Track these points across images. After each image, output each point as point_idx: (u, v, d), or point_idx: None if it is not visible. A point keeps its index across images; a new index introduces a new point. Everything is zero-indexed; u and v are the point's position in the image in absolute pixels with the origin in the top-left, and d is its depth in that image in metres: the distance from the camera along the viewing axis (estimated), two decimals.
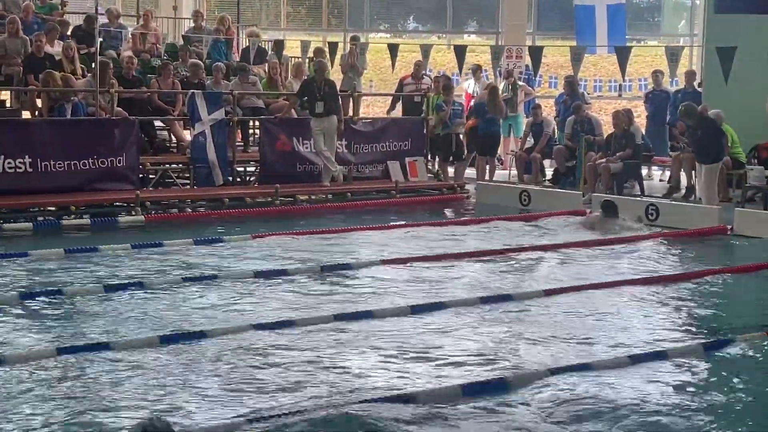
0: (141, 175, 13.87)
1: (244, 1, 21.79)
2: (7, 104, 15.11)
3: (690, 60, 21.02)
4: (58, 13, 17.10)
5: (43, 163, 12.83)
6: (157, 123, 15.58)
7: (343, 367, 6.48)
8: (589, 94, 19.88)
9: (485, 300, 8.39)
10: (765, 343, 7.23)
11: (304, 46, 18.07)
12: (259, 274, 9.21)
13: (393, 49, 17.53)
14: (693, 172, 14.82)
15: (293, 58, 18.18)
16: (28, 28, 15.28)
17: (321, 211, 13.87)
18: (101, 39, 15.96)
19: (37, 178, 12.76)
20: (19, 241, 10.75)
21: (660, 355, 6.86)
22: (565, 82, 17.94)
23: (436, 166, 16.89)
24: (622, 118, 15.43)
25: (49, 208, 12.68)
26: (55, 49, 15.00)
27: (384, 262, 10.00)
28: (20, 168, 12.68)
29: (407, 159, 16.08)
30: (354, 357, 6.73)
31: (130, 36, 17.23)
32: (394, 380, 6.24)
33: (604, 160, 15.20)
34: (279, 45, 17.68)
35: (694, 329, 7.78)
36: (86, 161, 13.17)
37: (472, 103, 18.14)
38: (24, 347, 6.75)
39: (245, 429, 5.27)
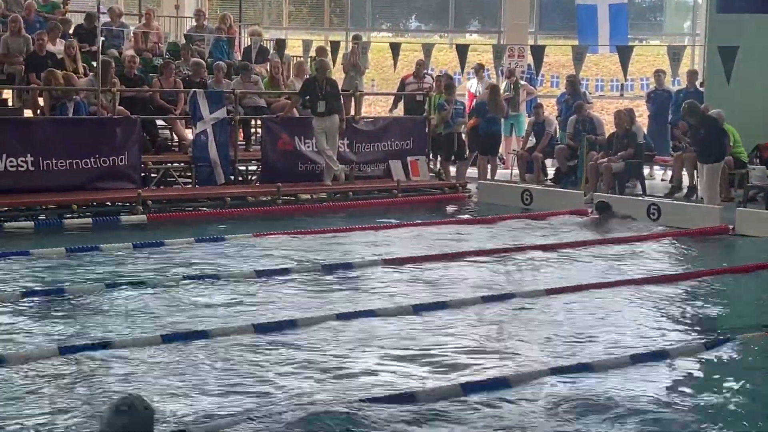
0: (143, 174, 13.87)
1: (246, 0, 21.79)
2: (9, 103, 15.13)
3: (692, 60, 21.02)
4: (60, 11, 17.09)
5: (44, 162, 12.84)
6: (159, 122, 15.59)
7: (345, 366, 6.48)
8: (590, 93, 19.87)
9: (487, 299, 8.39)
10: (766, 342, 7.23)
11: (306, 45, 18.05)
12: (260, 274, 9.22)
13: (395, 48, 17.52)
14: (695, 171, 14.81)
15: (295, 57, 18.18)
16: (30, 27, 15.28)
17: (323, 210, 13.87)
18: (103, 38, 15.96)
19: (39, 176, 12.77)
20: (20, 240, 10.76)
21: (661, 355, 6.86)
22: (566, 81, 17.94)
23: (438, 166, 16.89)
24: (624, 117, 15.43)
25: (50, 206, 12.68)
26: (57, 47, 15.00)
27: (386, 261, 10.00)
28: (22, 167, 12.68)
29: (409, 158, 16.07)
30: (355, 356, 6.73)
31: (132, 35, 17.23)
32: (395, 379, 6.25)
33: (605, 159, 15.19)
34: (281, 44, 17.66)
35: (695, 329, 7.78)
36: (88, 160, 13.18)
37: (474, 102, 18.14)
38: (25, 346, 6.75)
39: (246, 428, 5.27)
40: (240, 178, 15.01)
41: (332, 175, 14.76)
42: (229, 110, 14.63)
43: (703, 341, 7.23)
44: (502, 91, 17.78)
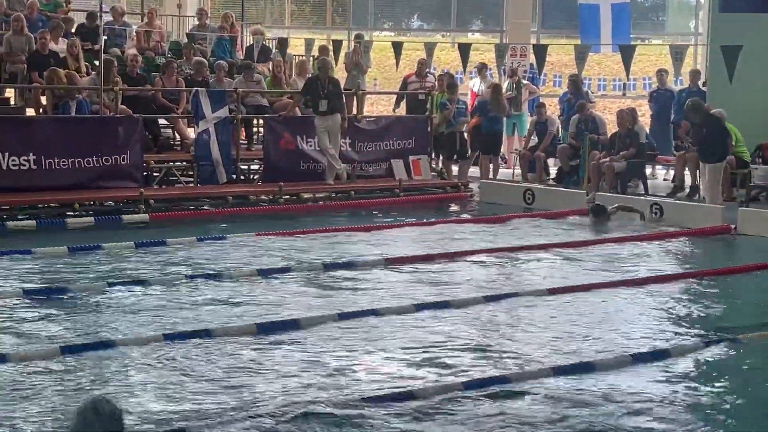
0: (145, 173, 13.87)
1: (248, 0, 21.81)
2: (12, 102, 15.14)
3: (694, 59, 21.00)
4: (62, 10, 17.10)
5: (47, 161, 12.84)
6: (161, 121, 15.59)
7: (346, 366, 6.48)
8: (593, 92, 19.85)
9: (489, 298, 8.39)
10: (767, 342, 7.22)
11: (308, 44, 18.06)
12: (262, 272, 9.22)
13: (397, 47, 17.52)
14: (697, 171, 14.80)
15: (297, 57, 18.18)
16: (33, 26, 15.29)
17: (325, 209, 13.87)
18: (106, 37, 15.98)
19: (41, 175, 12.77)
20: (22, 239, 10.76)
21: (662, 354, 6.86)
22: (569, 80, 17.92)
23: (440, 165, 16.89)
24: (626, 117, 15.41)
25: (52, 205, 12.69)
26: (60, 46, 15.01)
27: (387, 260, 10.00)
28: (24, 165, 12.69)
29: (411, 157, 16.06)
30: (357, 355, 6.74)
31: (134, 34, 17.23)
32: (396, 378, 6.25)
33: (608, 159, 15.18)
34: (283, 43, 17.67)
35: (696, 328, 7.78)
36: (90, 159, 13.17)
37: (476, 101, 18.14)
38: (27, 345, 6.76)
39: (247, 427, 5.27)
40: (242, 177, 15.01)
41: (334, 174, 14.76)
42: (231, 109, 14.63)
43: (704, 341, 7.23)
44: (504, 90, 17.77)
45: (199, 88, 14.50)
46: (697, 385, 6.34)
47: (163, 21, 19.46)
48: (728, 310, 8.59)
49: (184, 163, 14.77)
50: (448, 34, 25.02)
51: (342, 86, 15.64)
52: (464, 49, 17.34)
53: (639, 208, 13.15)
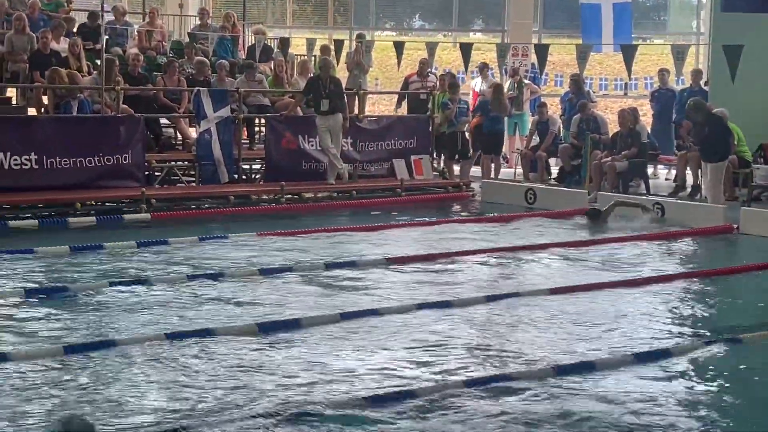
0: (146, 173, 13.87)
1: None
2: (13, 101, 15.15)
3: (696, 59, 20.99)
4: (64, 10, 17.11)
5: (48, 160, 12.84)
6: (163, 120, 15.60)
7: (348, 364, 6.48)
8: (594, 92, 19.85)
9: (491, 298, 8.39)
10: None
11: (310, 44, 18.06)
12: (263, 272, 9.22)
13: (399, 47, 17.52)
14: (699, 171, 14.79)
15: (299, 56, 18.19)
16: (35, 25, 15.29)
17: (326, 209, 13.87)
18: (107, 36, 15.99)
19: (43, 175, 12.77)
20: (24, 238, 10.76)
21: (664, 354, 6.86)
22: (570, 80, 17.92)
23: (442, 165, 16.88)
24: (628, 116, 15.41)
25: (54, 205, 12.69)
26: (61, 46, 15.02)
27: (389, 260, 10.00)
28: (26, 165, 12.69)
29: (413, 157, 16.06)
30: (359, 354, 6.73)
31: (136, 33, 17.24)
32: (398, 377, 6.24)
33: (609, 158, 15.17)
34: (285, 43, 17.67)
35: (698, 328, 7.78)
36: (92, 158, 13.18)
37: (477, 100, 18.13)
38: (29, 344, 6.76)
39: (249, 426, 5.27)
40: (244, 177, 15.01)
41: (336, 173, 14.76)
42: (233, 109, 14.63)
43: (705, 341, 7.22)
44: (506, 90, 17.76)
45: (200, 88, 14.50)
46: (698, 384, 6.34)
47: (164, 20, 19.46)
48: (730, 310, 8.58)
49: (186, 162, 14.77)
50: (450, 33, 25.01)
51: (343, 86, 15.64)
52: (466, 49, 17.34)
53: (638, 202, 13.10)
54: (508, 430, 5.41)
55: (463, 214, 14.22)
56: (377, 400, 5.69)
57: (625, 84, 21.52)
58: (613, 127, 16.44)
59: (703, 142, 13.96)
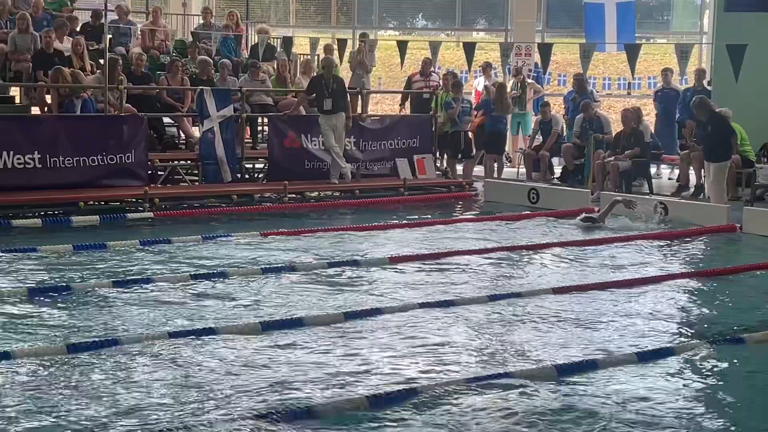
0: (150, 172, 13.88)
1: None
2: (17, 100, 15.17)
3: (699, 58, 20.97)
4: (67, 9, 17.12)
5: (52, 159, 12.86)
6: (166, 119, 15.62)
7: (351, 363, 6.48)
8: (598, 92, 19.85)
9: (493, 297, 8.39)
10: None
11: (313, 43, 18.07)
12: (266, 271, 9.23)
13: (402, 46, 17.52)
14: (702, 170, 14.78)
15: (302, 56, 18.19)
16: (38, 24, 15.30)
17: (329, 208, 13.87)
18: (110, 35, 16.00)
19: (46, 174, 12.80)
20: (27, 237, 10.77)
21: (668, 353, 6.86)
22: (574, 79, 17.91)
23: (445, 164, 16.88)
24: (631, 116, 15.40)
25: (57, 204, 12.70)
26: (65, 45, 15.03)
27: (392, 259, 10.00)
28: (29, 164, 12.71)
29: (415, 156, 16.07)
30: (361, 353, 6.73)
31: (139, 32, 17.25)
32: (401, 376, 6.24)
33: (612, 158, 15.17)
34: (288, 42, 17.67)
35: (701, 328, 7.77)
36: (95, 157, 13.20)
37: (480, 99, 18.13)
38: (32, 343, 6.77)
39: (251, 425, 5.27)
40: (247, 176, 15.02)
41: (339, 173, 14.76)
42: (236, 108, 14.64)
43: (708, 340, 7.22)
44: (509, 89, 17.75)
45: (203, 87, 14.51)
46: (700, 384, 6.34)
47: (167, 20, 19.48)
48: (732, 309, 8.57)
49: (189, 161, 14.78)
50: (453, 33, 25.01)
51: (346, 85, 15.65)
52: (469, 48, 17.34)
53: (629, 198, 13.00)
54: (511, 428, 5.41)
55: (466, 213, 14.21)
56: (380, 400, 5.69)
57: (629, 83, 21.52)
58: (616, 127, 16.43)
59: (706, 142, 13.95)
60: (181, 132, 15.76)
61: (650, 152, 15.63)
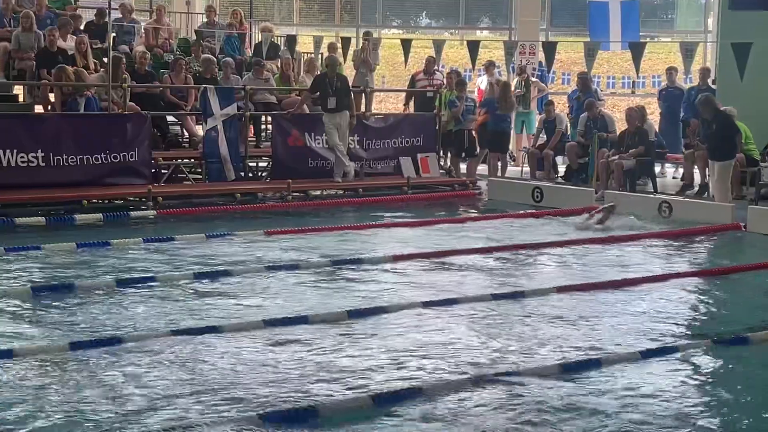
0: (153, 170, 13.88)
1: None
2: (20, 99, 15.17)
3: (704, 57, 20.94)
4: (71, 7, 17.14)
5: (55, 158, 12.87)
6: (170, 118, 15.62)
7: (354, 362, 6.47)
8: (602, 90, 19.82)
9: (497, 296, 8.38)
10: None
11: (317, 41, 18.06)
12: (269, 269, 9.22)
13: (406, 44, 17.51)
14: (706, 169, 14.76)
15: (306, 54, 18.19)
16: (42, 23, 15.32)
17: (333, 206, 13.87)
18: (114, 34, 16.00)
19: (50, 172, 12.81)
20: (31, 235, 10.77)
21: (671, 352, 6.84)
22: (578, 78, 17.89)
23: (448, 162, 16.87)
24: (636, 115, 15.37)
25: (61, 202, 12.70)
26: (68, 43, 15.04)
27: (395, 257, 9.99)
28: (33, 162, 12.72)
29: (419, 155, 16.06)
30: (365, 351, 6.72)
31: (142, 31, 17.26)
32: (404, 375, 6.23)
33: (616, 157, 15.14)
34: (292, 40, 17.67)
35: (705, 326, 7.77)
36: (99, 156, 13.20)
37: (483, 98, 18.11)
38: (36, 341, 6.76)
39: (253, 423, 5.26)
40: (250, 175, 15.02)
41: (342, 171, 14.75)
42: (240, 106, 14.63)
43: (712, 339, 7.20)
44: (513, 88, 17.73)
45: (207, 86, 14.50)
46: (704, 383, 6.32)
47: (171, 18, 19.49)
48: (737, 308, 8.56)
49: (193, 160, 14.79)
50: (457, 31, 24.99)
51: (350, 84, 15.63)
52: (473, 47, 17.32)
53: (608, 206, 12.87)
54: (515, 426, 5.40)
55: (469, 212, 14.19)
56: (384, 398, 5.68)
57: (633, 82, 21.48)
58: (620, 126, 16.40)
59: (710, 140, 13.92)
60: (184, 130, 15.76)
61: (654, 151, 15.60)
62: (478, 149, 16.94)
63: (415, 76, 18.02)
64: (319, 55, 17.58)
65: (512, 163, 18.23)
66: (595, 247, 10.98)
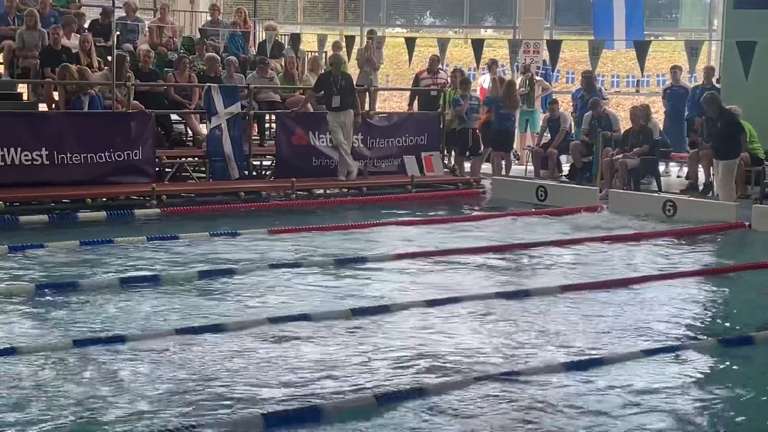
0: (157, 169, 13.89)
1: None
2: (24, 97, 15.18)
3: (708, 56, 20.90)
4: (75, 6, 17.15)
5: (59, 156, 12.87)
6: (174, 116, 15.61)
7: (357, 360, 6.47)
8: (606, 89, 19.79)
9: (501, 295, 8.37)
10: None
11: (321, 40, 18.05)
12: (273, 267, 9.22)
13: (410, 43, 17.49)
14: (711, 168, 14.73)
15: (310, 53, 18.18)
16: (46, 21, 15.33)
17: (336, 205, 13.86)
18: (118, 32, 16.01)
19: (54, 170, 12.81)
20: (35, 233, 10.78)
21: (674, 351, 6.83)
22: (582, 77, 17.85)
23: (452, 161, 16.85)
24: (640, 113, 15.34)
25: (64, 200, 12.71)
26: (72, 42, 15.04)
27: (399, 256, 9.98)
28: (37, 160, 12.72)
29: (423, 154, 16.05)
30: (368, 350, 6.72)
31: (146, 29, 17.26)
32: (406, 373, 6.23)
33: (621, 155, 15.12)
34: (296, 39, 17.67)
35: (709, 325, 7.75)
36: (102, 154, 13.20)
37: (485, 96, 18.09)
38: (39, 339, 6.76)
39: (256, 422, 5.26)
40: (254, 173, 15.02)
41: (346, 170, 14.74)
42: (244, 105, 14.63)
43: (717, 338, 7.19)
44: (517, 86, 17.72)
45: (211, 84, 14.50)
46: (708, 382, 6.30)
47: (175, 17, 19.50)
48: (742, 307, 8.54)
49: (197, 158, 14.78)
50: (461, 30, 24.97)
51: (354, 82, 15.62)
52: (477, 46, 17.30)
53: None
54: (519, 425, 5.39)
55: (473, 211, 14.18)
56: (387, 397, 5.67)
57: (637, 81, 21.46)
58: (624, 125, 16.37)
59: (714, 139, 13.89)
60: (188, 129, 15.75)
61: (659, 150, 15.57)
62: (482, 148, 16.91)
63: (419, 75, 18.01)
64: (323, 54, 17.57)
65: (516, 161, 18.21)
66: (599, 246, 10.96)
